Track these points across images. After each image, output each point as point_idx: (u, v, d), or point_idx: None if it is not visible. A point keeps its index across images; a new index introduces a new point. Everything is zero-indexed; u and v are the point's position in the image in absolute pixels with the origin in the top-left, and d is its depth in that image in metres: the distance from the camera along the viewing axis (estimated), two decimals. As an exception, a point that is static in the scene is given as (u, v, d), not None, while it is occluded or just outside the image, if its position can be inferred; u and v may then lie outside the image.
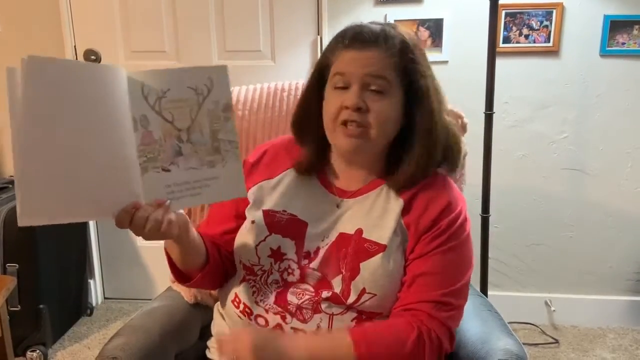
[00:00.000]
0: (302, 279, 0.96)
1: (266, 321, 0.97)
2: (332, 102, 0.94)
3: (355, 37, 0.93)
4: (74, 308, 2.27)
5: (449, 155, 1.00)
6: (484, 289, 1.92)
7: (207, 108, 0.86)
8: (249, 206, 1.03)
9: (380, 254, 0.93)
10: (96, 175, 0.78)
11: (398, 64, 0.92)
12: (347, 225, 0.97)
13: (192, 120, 0.85)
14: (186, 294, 1.21)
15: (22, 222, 0.73)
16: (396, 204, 0.96)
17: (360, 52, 0.92)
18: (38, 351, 1.97)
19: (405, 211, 0.96)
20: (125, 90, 0.80)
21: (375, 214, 0.97)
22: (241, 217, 1.04)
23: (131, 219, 0.80)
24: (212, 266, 1.00)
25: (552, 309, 2.23)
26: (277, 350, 0.85)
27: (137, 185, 0.81)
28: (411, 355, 0.87)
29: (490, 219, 1.88)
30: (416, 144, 0.95)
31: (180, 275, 1.00)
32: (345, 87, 0.93)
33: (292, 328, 0.94)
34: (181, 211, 0.88)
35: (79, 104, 0.76)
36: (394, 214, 0.95)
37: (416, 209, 0.95)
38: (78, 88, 0.76)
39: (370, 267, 0.92)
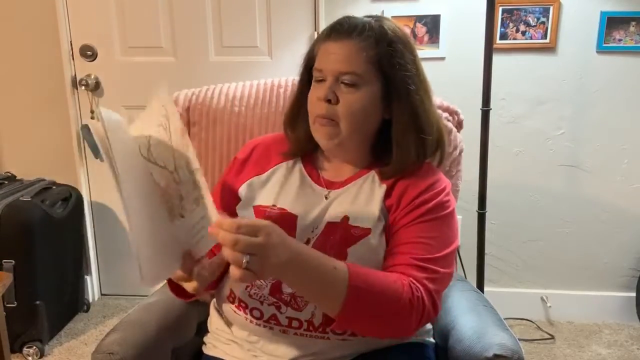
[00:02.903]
0: None
1: (261, 313, 0.97)
2: (312, 94, 0.98)
3: (334, 29, 0.96)
4: (70, 304, 2.26)
5: (439, 148, 1.02)
6: (480, 285, 1.93)
7: (174, 140, 0.78)
8: (239, 204, 1.04)
9: (366, 237, 0.94)
10: (161, 231, 0.79)
11: (373, 57, 0.93)
12: (334, 214, 0.99)
13: (173, 158, 0.78)
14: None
15: (145, 284, 0.74)
16: (380, 189, 0.99)
17: (335, 43, 0.94)
18: (35, 347, 1.97)
19: (387, 195, 0.98)
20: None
21: (361, 200, 0.99)
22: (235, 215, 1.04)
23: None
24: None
25: (548, 304, 2.24)
26: (285, 243, 0.77)
27: (178, 236, 0.82)
28: (408, 306, 0.85)
29: (487, 215, 1.89)
30: (399, 136, 0.98)
31: (179, 290, 0.99)
32: (323, 80, 0.96)
33: (287, 317, 0.95)
34: None
35: (131, 161, 0.75)
36: (377, 199, 0.98)
37: (397, 192, 0.98)
38: (129, 144, 0.76)
39: (357, 251, 0.94)
